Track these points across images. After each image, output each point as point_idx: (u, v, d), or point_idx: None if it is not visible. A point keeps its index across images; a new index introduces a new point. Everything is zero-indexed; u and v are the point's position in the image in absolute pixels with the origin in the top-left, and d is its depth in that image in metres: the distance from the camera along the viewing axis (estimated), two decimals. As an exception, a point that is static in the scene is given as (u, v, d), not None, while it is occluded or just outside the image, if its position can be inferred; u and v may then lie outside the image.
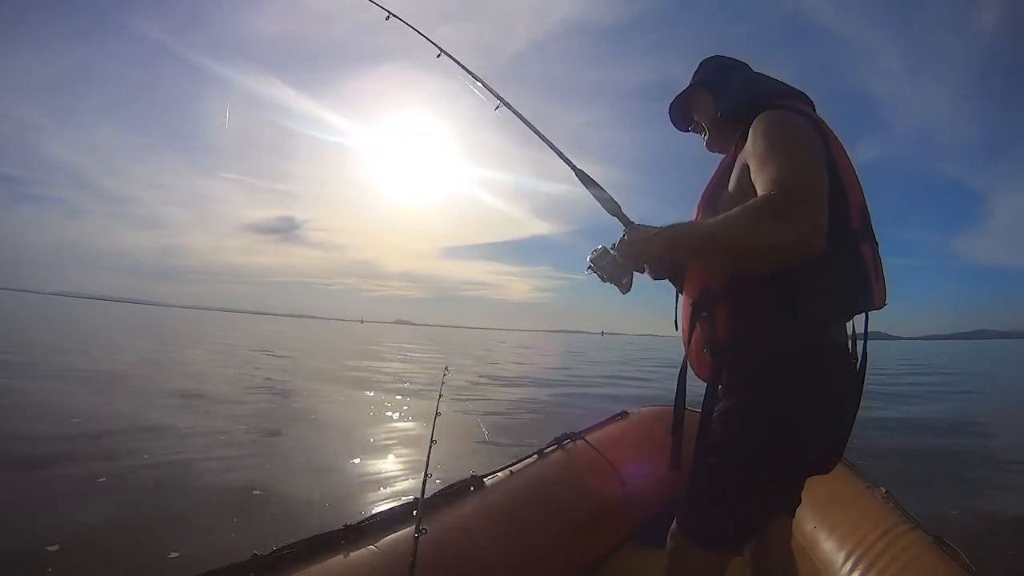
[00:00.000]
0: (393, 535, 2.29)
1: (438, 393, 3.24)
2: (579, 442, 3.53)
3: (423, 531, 2.09)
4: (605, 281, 2.07)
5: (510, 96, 2.49)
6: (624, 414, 4.05)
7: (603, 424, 3.88)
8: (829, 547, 2.78)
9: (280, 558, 2.04)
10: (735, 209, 1.62)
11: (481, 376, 20.72)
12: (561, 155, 2.34)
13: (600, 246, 2.03)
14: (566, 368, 29.00)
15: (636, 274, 2.07)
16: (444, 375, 3.64)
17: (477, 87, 2.61)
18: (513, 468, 3.11)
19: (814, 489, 2.04)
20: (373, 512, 2.45)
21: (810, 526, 2.96)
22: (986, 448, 10.32)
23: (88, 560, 4.22)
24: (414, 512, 2.30)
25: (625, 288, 2.07)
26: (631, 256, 1.92)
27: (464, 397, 13.66)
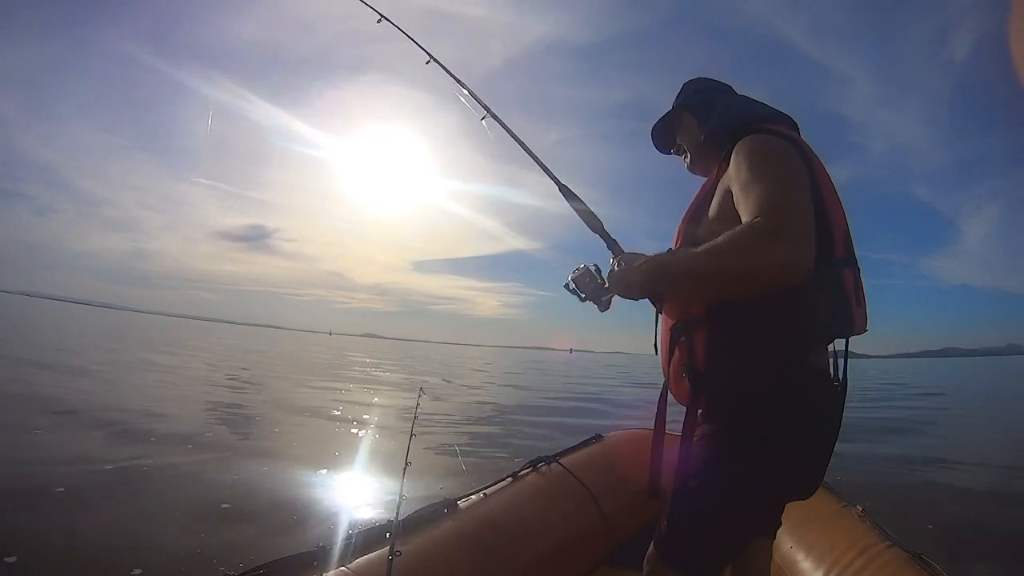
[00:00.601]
0: (367, 557, 2.27)
1: (413, 415, 3.19)
2: (554, 465, 3.49)
3: (397, 553, 2.05)
4: (584, 300, 2.07)
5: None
6: (599, 437, 4.00)
7: (578, 447, 3.83)
8: (807, 567, 2.77)
9: (273, 570, 2.05)
10: (719, 238, 1.59)
11: (451, 395, 20.71)
12: (545, 168, 2.34)
13: (582, 265, 2.04)
14: (537, 388, 28.91)
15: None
16: (419, 396, 3.58)
17: (464, 96, 2.61)
18: (487, 491, 3.09)
19: (791, 509, 2.03)
20: (346, 534, 2.43)
21: (787, 546, 2.94)
22: (956, 457, 10.57)
23: (48, 572, 4.14)
24: (387, 534, 2.28)
25: (604, 306, 2.07)
26: (622, 287, 1.90)
27: (436, 417, 13.63)
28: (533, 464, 3.46)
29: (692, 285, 1.74)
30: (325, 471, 7.52)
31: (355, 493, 6.98)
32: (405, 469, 2.56)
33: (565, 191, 2.29)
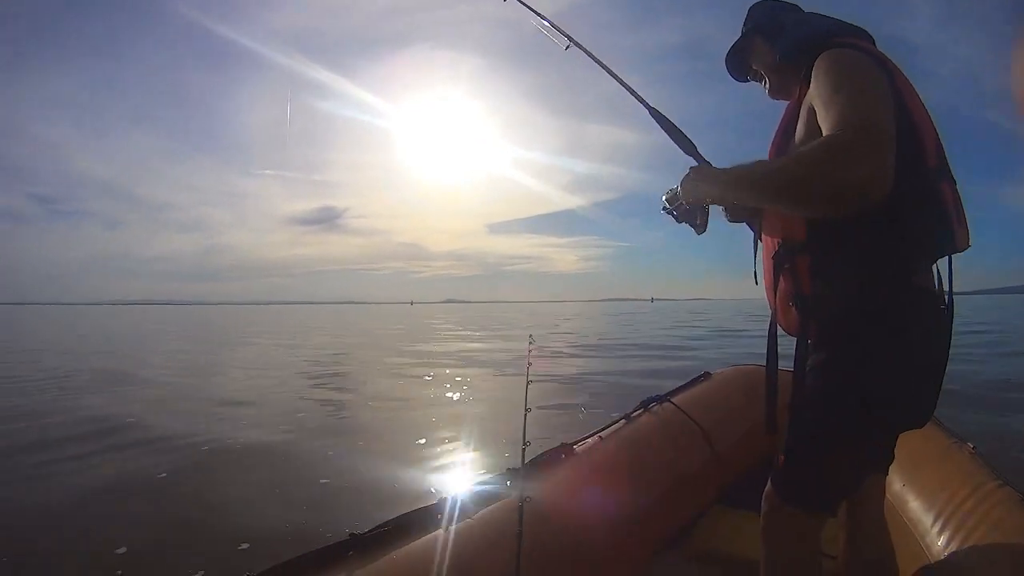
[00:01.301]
0: (494, 506, 2.27)
1: (527, 361, 3.17)
2: (665, 404, 3.44)
3: (527, 499, 2.05)
4: (680, 221, 2.05)
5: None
6: (707, 375, 3.95)
7: (687, 385, 3.78)
8: (918, 506, 2.68)
9: (384, 532, 2.04)
10: (800, 149, 1.57)
11: (548, 347, 20.80)
12: (634, 93, 2.33)
13: (676, 186, 1.98)
14: (627, 335, 28.95)
15: (714, 216, 2.04)
16: (530, 344, 3.56)
17: (545, 27, 2.57)
18: (602, 434, 3.06)
19: (901, 446, 1.94)
20: (466, 486, 2.46)
21: (899, 484, 2.84)
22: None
23: (157, 559, 4.23)
24: (507, 483, 2.36)
25: (700, 229, 2.05)
26: (693, 195, 1.89)
27: (540, 367, 13.65)
28: (644, 404, 3.41)
29: (770, 195, 1.68)
30: (423, 440, 7.55)
31: (458, 452, 7.02)
32: (526, 415, 2.54)
33: (656, 115, 2.25)
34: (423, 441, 7.47)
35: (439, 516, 2.16)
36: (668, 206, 2.03)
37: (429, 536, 2.05)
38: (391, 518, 2.12)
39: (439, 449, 7.16)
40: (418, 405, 10.39)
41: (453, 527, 2.11)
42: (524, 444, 2.36)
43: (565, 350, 20.60)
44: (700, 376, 3.93)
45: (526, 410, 2.57)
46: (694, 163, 2.09)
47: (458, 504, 2.24)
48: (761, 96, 2.14)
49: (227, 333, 38.47)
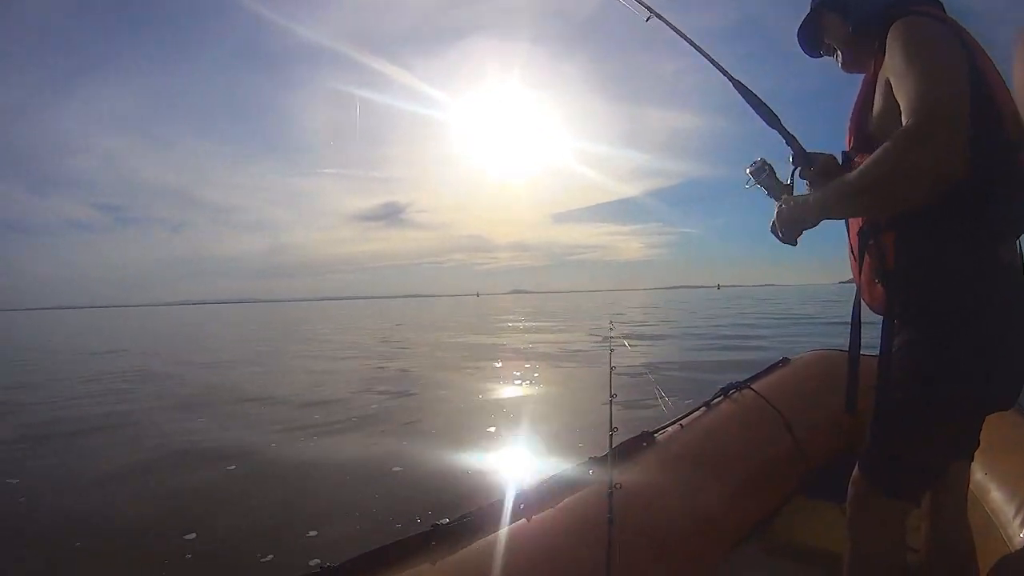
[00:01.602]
0: (580, 493, 2.27)
1: (609, 348, 3.15)
2: (745, 391, 3.39)
3: (617, 487, 2.06)
4: (769, 196, 2.03)
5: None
6: (786, 360, 3.86)
7: (767, 372, 3.71)
8: (1000, 496, 2.59)
9: (468, 521, 2.05)
10: (877, 153, 1.53)
11: (621, 336, 20.73)
12: (716, 64, 2.29)
13: (759, 159, 2.03)
14: (699, 323, 28.35)
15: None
16: (610, 330, 3.51)
17: None
18: (683, 422, 3.03)
19: (983, 434, 1.88)
20: (549, 474, 2.43)
21: (980, 474, 2.73)
22: None
23: (225, 546, 4.27)
24: (591, 471, 2.37)
25: (794, 243, 1.96)
26: (790, 228, 1.85)
27: (617, 355, 13.62)
28: (724, 392, 3.36)
29: (865, 203, 1.67)
30: (494, 428, 7.54)
31: (535, 441, 7.00)
32: (611, 401, 2.56)
33: (740, 87, 2.20)
34: (493, 429, 7.47)
35: (522, 505, 2.15)
36: (753, 179, 2.04)
37: (516, 525, 2.05)
38: (473, 509, 2.12)
39: (514, 436, 7.16)
40: (490, 394, 10.46)
41: (541, 514, 2.12)
42: (611, 430, 2.37)
43: (637, 338, 20.49)
44: (779, 362, 3.85)
45: (611, 396, 2.60)
46: (777, 136, 2.09)
47: (543, 492, 2.25)
48: (818, 75, 2.09)
49: (295, 328, 39.12)
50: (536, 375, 12.23)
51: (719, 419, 3.14)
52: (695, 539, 2.47)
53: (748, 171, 2.04)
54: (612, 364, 2.93)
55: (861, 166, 1.59)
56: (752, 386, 3.42)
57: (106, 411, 9.70)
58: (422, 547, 1.92)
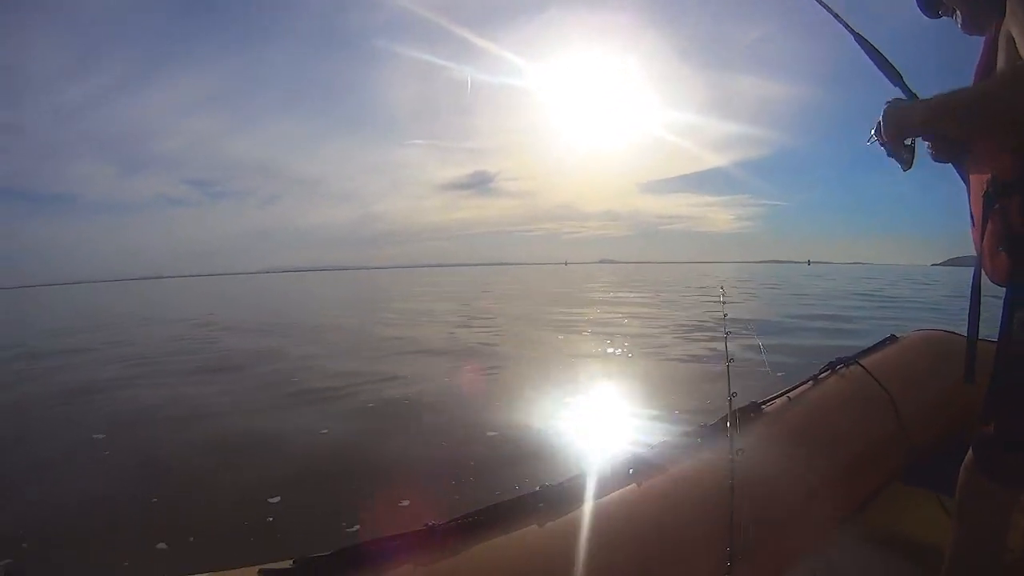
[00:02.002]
0: (703, 456, 2.27)
1: (723, 314, 3.13)
2: (853, 367, 3.27)
3: (739, 451, 2.09)
4: (889, 155, 1.97)
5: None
6: (893, 338, 3.71)
7: (874, 348, 3.56)
8: None
9: (577, 484, 2.03)
10: (1002, 69, 1.52)
11: (719, 308, 20.49)
12: (839, 18, 2.25)
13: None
14: (793, 299, 28.16)
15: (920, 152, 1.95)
16: (722, 295, 3.59)
17: None
18: (790, 395, 2.96)
19: None
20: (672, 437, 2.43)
21: None
22: None
23: (310, 510, 4.31)
24: (698, 440, 2.35)
25: (906, 165, 1.96)
26: (892, 129, 1.82)
27: (710, 327, 13.54)
28: (832, 366, 3.26)
29: (973, 119, 1.61)
30: (584, 395, 7.52)
31: (634, 408, 7.00)
32: (728, 366, 2.56)
33: (861, 41, 2.18)
34: (592, 396, 7.49)
35: (631, 470, 2.14)
36: (876, 137, 1.96)
37: (626, 489, 2.04)
38: (580, 473, 2.10)
39: (617, 403, 7.15)
40: (590, 362, 10.50)
41: (652, 480, 2.11)
42: (730, 395, 2.37)
43: (735, 310, 20.23)
44: (886, 339, 3.70)
45: (728, 361, 2.59)
46: (902, 97, 2.00)
47: (652, 458, 2.23)
48: (920, 39, 2.02)
49: (388, 293, 39.50)
50: (627, 343, 12.20)
51: (827, 394, 3.05)
52: (805, 517, 2.44)
53: (872, 131, 1.95)
54: (727, 330, 2.89)
55: (984, 83, 1.61)
56: (860, 362, 3.31)
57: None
58: (529, 508, 1.90)
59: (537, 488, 1.96)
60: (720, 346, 10.72)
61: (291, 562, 1.52)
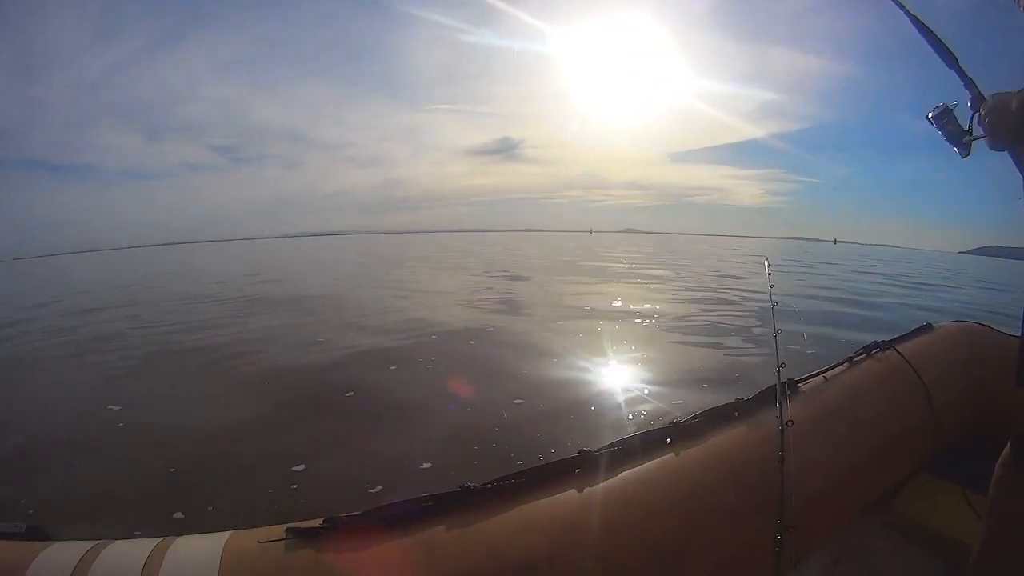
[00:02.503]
0: (748, 427, 2.31)
1: (768, 284, 3.21)
2: (889, 352, 3.24)
3: (788, 423, 2.13)
4: (948, 139, 1.97)
5: None
6: (929, 326, 3.67)
7: (910, 335, 3.53)
8: None
9: (617, 451, 2.05)
10: None
11: (741, 282, 20.36)
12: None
13: (941, 104, 1.96)
14: (821, 279, 27.71)
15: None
16: (767, 268, 3.63)
17: None
18: (826, 375, 2.94)
19: None
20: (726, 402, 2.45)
21: None
22: None
23: (334, 477, 4.33)
24: (735, 414, 2.37)
25: (964, 151, 1.95)
26: (994, 121, 1.73)
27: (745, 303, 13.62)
28: (868, 349, 3.24)
29: None
30: (613, 361, 7.50)
31: (663, 375, 7.02)
32: (776, 337, 2.62)
33: (917, 23, 2.10)
34: (621, 364, 7.54)
35: (668, 440, 2.16)
36: (935, 123, 1.97)
37: (665, 458, 2.07)
38: (627, 436, 2.11)
39: (648, 372, 7.16)
40: (619, 329, 10.60)
41: (691, 449, 2.13)
42: (779, 365, 2.43)
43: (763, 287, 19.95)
44: (923, 327, 3.66)
45: (776, 332, 2.66)
46: (955, 76, 1.96)
47: (691, 427, 2.25)
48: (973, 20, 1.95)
49: (418, 257, 39.33)
50: (655, 315, 12.18)
51: (862, 377, 3.03)
52: (836, 498, 2.45)
53: (930, 116, 1.97)
54: (773, 300, 2.94)
55: None
56: (897, 348, 3.28)
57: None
58: (565, 473, 1.92)
59: (576, 453, 1.96)
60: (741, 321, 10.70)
61: (321, 521, 1.56)
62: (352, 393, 6.23)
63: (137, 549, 1.44)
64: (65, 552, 1.40)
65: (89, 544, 1.44)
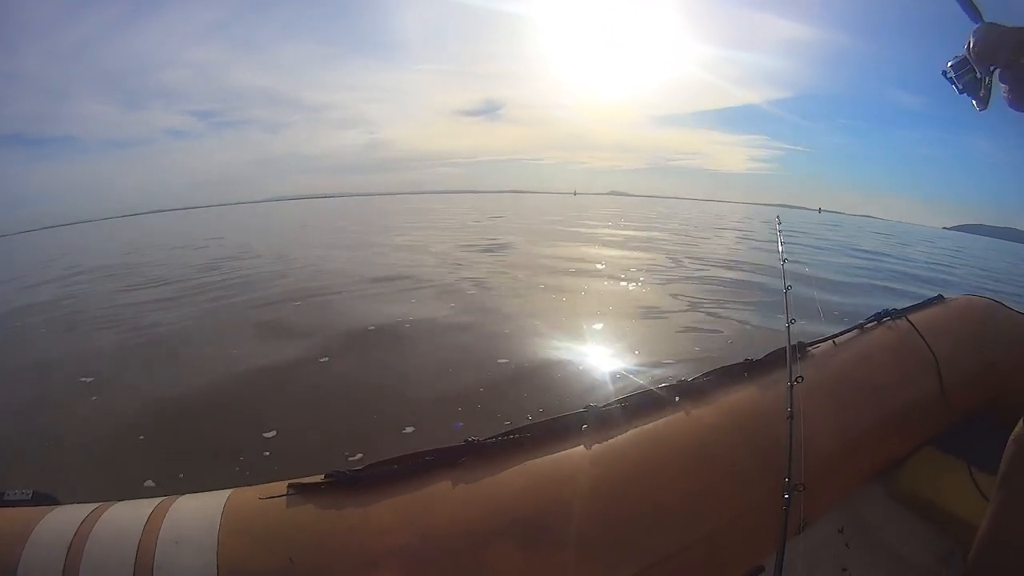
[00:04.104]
0: (757, 387, 2.32)
1: (778, 241, 3.20)
2: (900, 321, 3.20)
3: (799, 379, 2.13)
4: (961, 92, 1.84)
5: None
6: (940, 298, 3.63)
7: (921, 306, 3.49)
8: None
9: (624, 407, 2.05)
10: None
11: (734, 247, 20.51)
12: None
13: (961, 53, 1.81)
14: (809, 246, 27.56)
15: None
16: (778, 226, 3.60)
17: None
18: (836, 340, 2.95)
19: None
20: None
21: None
22: None
23: (308, 443, 4.22)
24: (745, 373, 2.39)
25: (981, 104, 1.82)
26: (981, 51, 1.66)
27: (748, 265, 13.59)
28: (878, 317, 3.21)
29: None
30: (601, 325, 7.42)
31: (648, 340, 6.99)
32: (786, 292, 2.64)
33: None
34: (600, 325, 7.51)
35: (677, 398, 2.17)
36: (952, 73, 1.84)
37: (674, 416, 2.07)
38: (635, 392, 2.12)
39: (619, 335, 7.14)
40: (604, 292, 10.56)
41: (699, 409, 2.13)
42: (789, 322, 2.45)
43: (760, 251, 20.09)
44: (934, 298, 3.62)
45: (786, 288, 2.68)
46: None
47: (698, 386, 2.26)
48: None
49: (394, 219, 39.25)
50: (640, 280, 12.08)
51: (872, 344, 3.01)
52: (844, 464, 2.45)
53: (949, 65, 1.84)
54: (784, 256, 2.94)
55: None
56: (908, 317, 3.24)
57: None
58: (573, 428, 1.91)
59: (583, 409, 1.95)
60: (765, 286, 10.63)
61: (323, 476, 1.58)
62: (327, 358, 6.02)
63: (139, 509, 1.46)
64: (69, 515, 1.42)
65: (93, 506, 1.46)
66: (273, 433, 4.30)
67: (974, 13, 1.84)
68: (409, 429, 4.26)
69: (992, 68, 1.73)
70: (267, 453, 4.05)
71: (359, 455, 3.88)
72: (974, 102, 1.83)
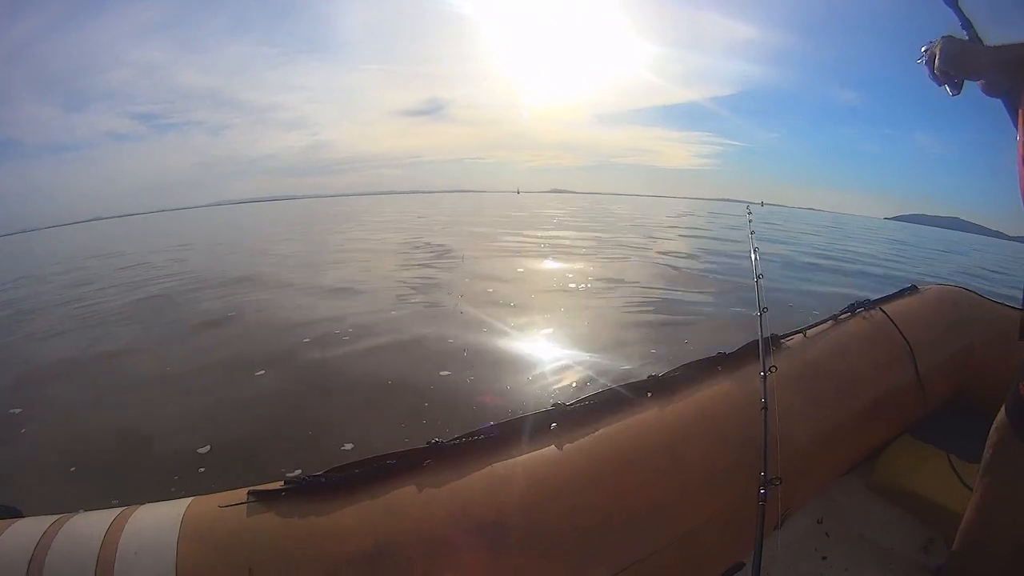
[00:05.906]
0: (730, 380, 2.31)
1: (749, 231, 3.20)
2: (874, 311, 3.20)
3: (772, 369, 2.14)
4: (934, 80, 1.87)
5: None
6: (914, 288, 3.65)
7: (895, 296, 3.50)
8: None
9: (588, 405, 2.02)
10: None
11: (676, 242, 20.78)
12: None
13: (940, 37, 1.83)
14: (783, 240, 27.27)
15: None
16: (749, 217, 3.57)
17: None
18: (808, 332, 2.92)
19: None
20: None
21: None
22: None
23: (245, 457, 4.10)
24: (718, 367, 2.39)
25: (956, 90, 1.85)
26: (953, 68, 1.73)
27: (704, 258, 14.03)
28: (852, 308, 3.19)
29: None
30: (554, 324, 7.37)
31: (602, 335, 6.90)
32: (758, 282, 2.58)
33: None
34: (581, 319, 7.60)
35: (649, 394, 2.15)
36: (925, 58, 1.86)
37: (648, 413, 2.05)
38: (605, 388, 2.10)
39: (572, 331, 7.10)
40: (552, 288, 10.40)
41: (673, 404, 2.12)
42: (761, 311, 2.38)
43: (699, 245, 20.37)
44: (907, 288, 3.64)
45: (757, 277, 2.61)
46: (955, 35, 1.85)
47: (669, 382, 2.24)
48: None
49: (339, 222, 39.20)
50: (592, 273, 12.21)
51: (845, 337, 2.97)
52: (819, 456, 2.43)
53: (924, 49, 1.86)
54: (755, 245, 2.92)
55: None
56: (882, 307, 3.23)
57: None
58: (542, 428, 1.88)
59: (551, 407, 1.93)
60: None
61: (282, 483, 1.56)
62: (263, 371, 5.81)
63: (100, 519, 1.44)
64: (30, 527, 1.40)
65: (54, 518, 1.44)
66: (207, 448, 4.14)
67: (966, 21, 1.87)
68: (349, 446, 4.11)
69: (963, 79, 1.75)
70: (202, 469, 3.88)
71: (297, 471, 3.69)
72: (947, 88, 1.82)
